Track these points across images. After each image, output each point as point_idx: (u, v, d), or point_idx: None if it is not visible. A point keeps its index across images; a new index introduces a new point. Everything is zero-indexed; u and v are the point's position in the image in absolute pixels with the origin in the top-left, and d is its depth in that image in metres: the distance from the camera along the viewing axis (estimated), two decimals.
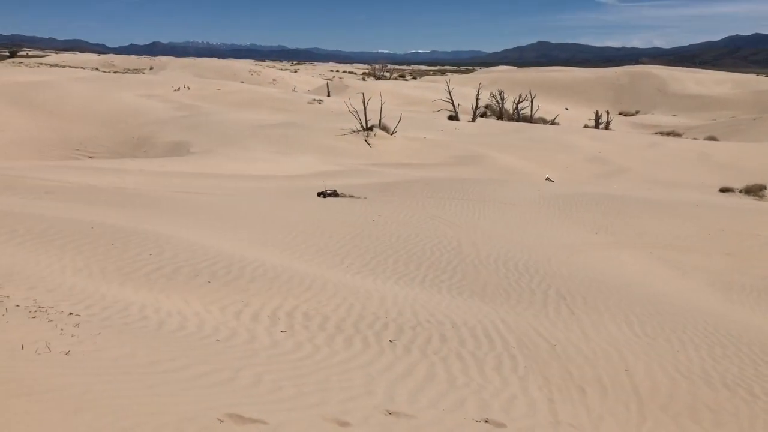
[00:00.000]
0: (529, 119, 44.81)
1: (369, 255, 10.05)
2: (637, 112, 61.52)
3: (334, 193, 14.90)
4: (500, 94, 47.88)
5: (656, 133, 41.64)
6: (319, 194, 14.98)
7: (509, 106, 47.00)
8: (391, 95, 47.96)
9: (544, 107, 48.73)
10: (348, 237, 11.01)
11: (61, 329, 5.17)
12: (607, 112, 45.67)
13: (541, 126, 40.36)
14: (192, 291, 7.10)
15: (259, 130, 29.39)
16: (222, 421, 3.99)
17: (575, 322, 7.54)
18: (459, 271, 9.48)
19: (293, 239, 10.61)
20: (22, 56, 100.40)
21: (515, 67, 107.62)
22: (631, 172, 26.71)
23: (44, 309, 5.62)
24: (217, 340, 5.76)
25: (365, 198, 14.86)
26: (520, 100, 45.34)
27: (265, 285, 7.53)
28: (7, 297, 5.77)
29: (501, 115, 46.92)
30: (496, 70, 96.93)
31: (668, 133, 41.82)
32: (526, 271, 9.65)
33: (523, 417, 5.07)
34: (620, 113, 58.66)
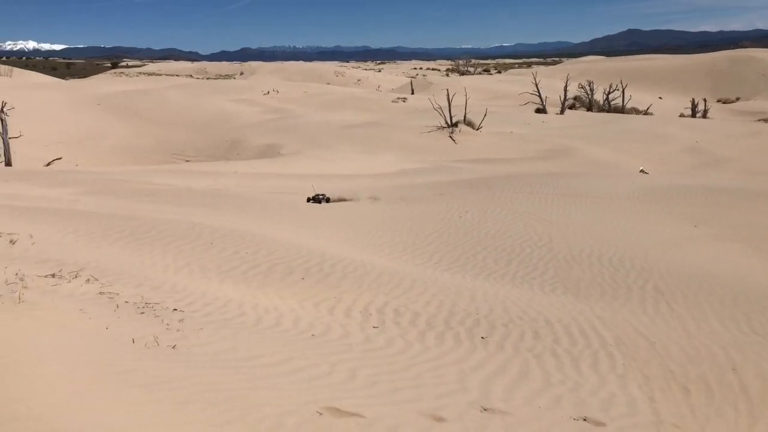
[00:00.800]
0: (620, 110, 43.26)
1: (457, 252, 10.01)
2: (737, 99, 58.06)
3: (326, 198, 13.76)
4: (589, 85, 46.44)
5: (760, 120, 39.26)
6: (308, 200, 13.82)
7: (599, 96, 45.52)
8: (476, 90, 47.53)
9: (636, 97, 46.84)
10: (435, 234, 11.01)
11: (167, 324, 5.45)
12: (705, 100, 43.35)
13: (633, 116, 38.86)
14: (287, 288, 7.31)
15: (344, 130, 29.85)
16: (321, 414, 4.09)
17: (675, 318, 7.24)
18: (551, 268, 9.29)
19: (381, 236, 10.72)
20: (123, 67, 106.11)
21: (604, 57, 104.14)
22: (732, 162, 25.30)
23: (151, 305, 5.94)
24: (313, 335, 5.91)
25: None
26: (611, 90, 43.83)
27: (356, 282, 7.64)
28: (117, 294, 6.14)
29: (591, 106, 45.47)
30: (584, 60, 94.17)
31: None
32: (622, 266, 9.34)
33: (623, 416, 4.92)
34: (719, 101, 55.55)
